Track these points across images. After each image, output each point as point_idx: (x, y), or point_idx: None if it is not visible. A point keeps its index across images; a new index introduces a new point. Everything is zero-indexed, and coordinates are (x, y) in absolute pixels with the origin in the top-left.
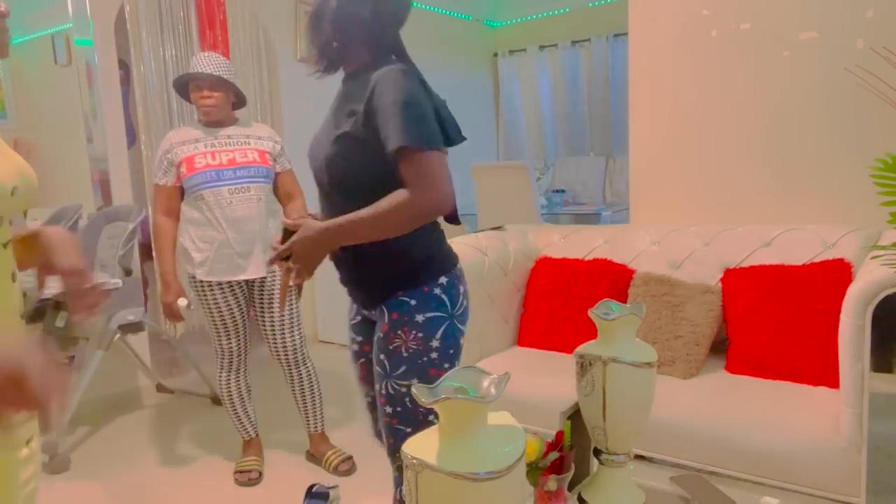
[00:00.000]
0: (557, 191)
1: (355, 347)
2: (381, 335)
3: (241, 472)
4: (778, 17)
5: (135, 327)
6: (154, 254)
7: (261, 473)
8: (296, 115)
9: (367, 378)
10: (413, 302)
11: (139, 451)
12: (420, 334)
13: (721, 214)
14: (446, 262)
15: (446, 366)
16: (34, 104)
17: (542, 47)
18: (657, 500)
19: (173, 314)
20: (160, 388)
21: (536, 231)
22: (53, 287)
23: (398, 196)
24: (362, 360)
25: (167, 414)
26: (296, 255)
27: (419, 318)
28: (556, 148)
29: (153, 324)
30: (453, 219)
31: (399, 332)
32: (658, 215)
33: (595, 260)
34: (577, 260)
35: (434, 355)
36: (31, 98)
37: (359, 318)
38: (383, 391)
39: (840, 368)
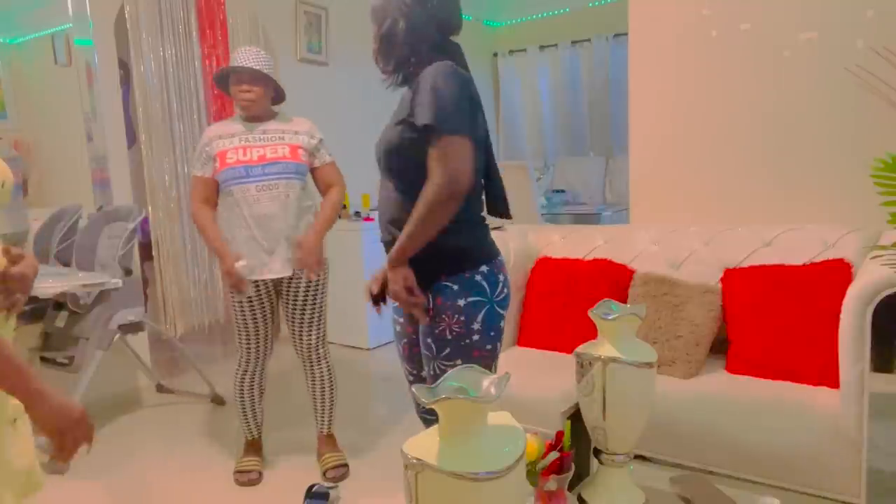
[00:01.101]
0: (557, 191)
1: (398, 328)
2: (428, 320)
3: (241, 472)
4: (778, 18)
5: (135, 327)
6: (200, 234)
7: (261, 473)
8: (296, 115)
9: (409, 357)
10: (455, 287)
11: (139, 451)
12: (462, 317)
13: (721, 214)
14: (488, 252)
15: (488, 347)
16: (34, 104)
17: (542, 47)
18: (657, 500)
19: (237, 282)
20: (160, 388)
21: (536, 231)
22: (52, 287)
23: (423, 194)
24: (404, 340)
25: (167, 414)
26: (393, 293)
27: (461, 301)
28: (556, 148)
29: (153, 324)
30: (495, 210)
31: (443, 316)
32: (658, 215)
33: (595, 260)
34: (577, 260)
35: (476, 337)
36: (31, 98)
37: None
38: (431, 372)
39: (840, 368)
